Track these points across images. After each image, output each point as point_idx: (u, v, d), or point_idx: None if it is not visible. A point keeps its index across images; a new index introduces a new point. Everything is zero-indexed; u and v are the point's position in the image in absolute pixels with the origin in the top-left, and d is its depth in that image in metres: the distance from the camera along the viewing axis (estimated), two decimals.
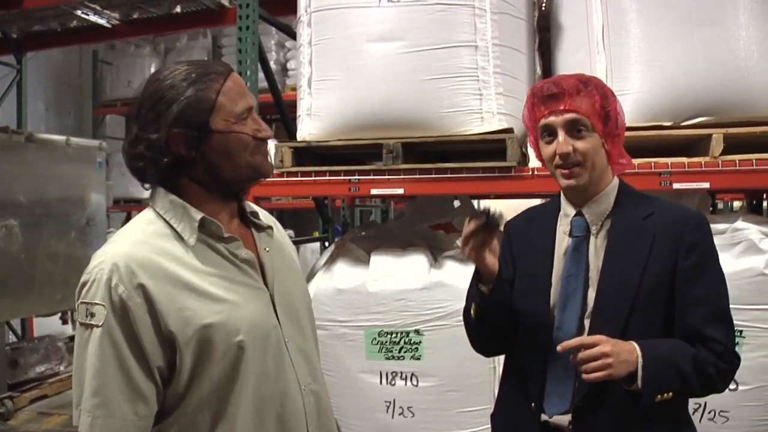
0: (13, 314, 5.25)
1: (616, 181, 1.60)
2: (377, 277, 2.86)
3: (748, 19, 2.57)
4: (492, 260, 1.58)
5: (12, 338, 5.98)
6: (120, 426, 1.21)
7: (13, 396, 4.87)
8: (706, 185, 2.52)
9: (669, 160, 2.56)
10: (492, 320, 1.65)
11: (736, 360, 1.50)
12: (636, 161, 2.61)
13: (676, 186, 2.54)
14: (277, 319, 1.38)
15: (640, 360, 1.39)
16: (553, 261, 1.62)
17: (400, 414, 2.82)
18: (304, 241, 7.79)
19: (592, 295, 1.54)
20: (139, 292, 1.22)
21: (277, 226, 1.54)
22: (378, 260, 2.94)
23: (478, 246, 1.54)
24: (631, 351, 1.40)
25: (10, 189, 4.88)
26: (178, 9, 6.12)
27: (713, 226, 2.57)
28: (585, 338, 1.43)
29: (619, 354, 1.38)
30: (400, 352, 2.80)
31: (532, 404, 1.57)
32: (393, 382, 2.82)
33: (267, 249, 1.43)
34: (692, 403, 2.52)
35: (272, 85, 3.60)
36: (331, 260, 3.09)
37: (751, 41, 2.56)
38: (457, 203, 3.51)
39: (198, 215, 1.30)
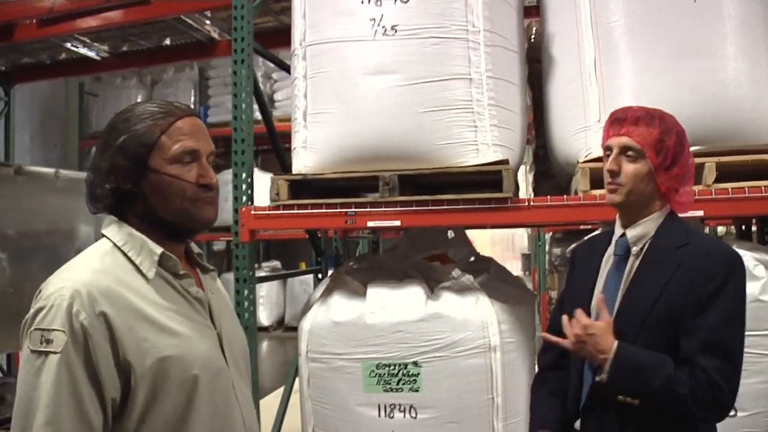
0: (0, 349, 5.16)
1: (666, 210, 1.71)
2: (374, 309, 2.85)
3: (735, 50, 2.64)
4: None
5: None
6: None
7: None
8: (700, 213, 2.55)
9: None
10: None
11: (721, 394, 1.55)
12: None
13: None
14: (225, 360, 1.39)
15: (611, 357, 1.57)
16: (596, 278, 1.77)
17: None
18: (295, 273, 7.78)
19: None
20: (100, 320, 1.21)
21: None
22: (375, 292, 2.92)
23: None
24: (605, 350, 1.59)
25: None
26: (167, 42, 6.17)
27: None
28: (581, 319, 1.64)
29: (586, 343, 1.60)
30: (398, 384, 2.78)
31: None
32: (392, 415, 2.79)
33: (212, 291, 1.45)
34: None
35: (266, 118, 3.60)
36: (327, 293, 3.07)
37: (739, 72, 2.62)
38: (451, 234, 3.51)
39: (158, 249, 1.33)
